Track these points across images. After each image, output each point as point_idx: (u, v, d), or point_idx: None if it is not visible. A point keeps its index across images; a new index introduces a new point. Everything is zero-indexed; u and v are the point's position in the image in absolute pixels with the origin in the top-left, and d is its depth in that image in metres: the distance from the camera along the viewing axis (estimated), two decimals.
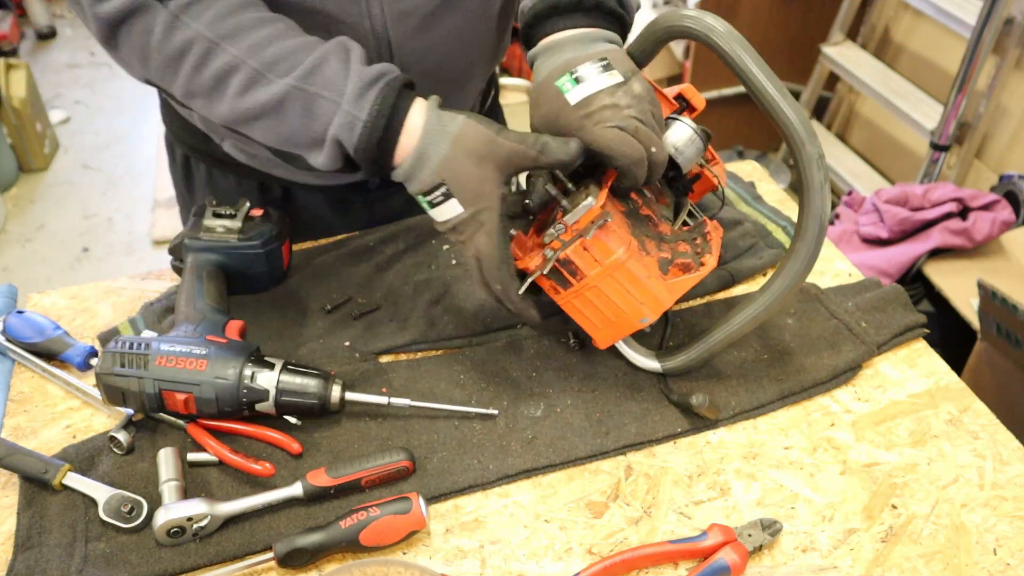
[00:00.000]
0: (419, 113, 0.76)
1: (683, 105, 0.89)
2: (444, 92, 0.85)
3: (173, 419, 0.82)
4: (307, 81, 0.76)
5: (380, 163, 0.77)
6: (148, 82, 0.82)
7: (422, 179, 0.76)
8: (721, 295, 0.99)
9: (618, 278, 0.79)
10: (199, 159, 1.10)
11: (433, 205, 0.77)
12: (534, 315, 0.83)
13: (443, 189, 0.76)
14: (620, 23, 0.84)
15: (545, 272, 0.80)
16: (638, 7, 0.88)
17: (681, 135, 0.84)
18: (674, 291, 0.81)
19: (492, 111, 1.19)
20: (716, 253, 0.84)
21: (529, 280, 0.81)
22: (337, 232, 1.07)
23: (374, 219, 1.09)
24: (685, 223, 0.90)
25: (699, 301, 0.98)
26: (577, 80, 0.77)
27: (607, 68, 0.77)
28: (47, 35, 4.32)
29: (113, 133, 3.60)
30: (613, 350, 0.89)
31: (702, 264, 0.83)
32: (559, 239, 0.79)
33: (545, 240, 0.81)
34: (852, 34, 2.80)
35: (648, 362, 0.88)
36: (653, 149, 0.76)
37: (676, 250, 0.85)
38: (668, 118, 0.85)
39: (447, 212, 0.77)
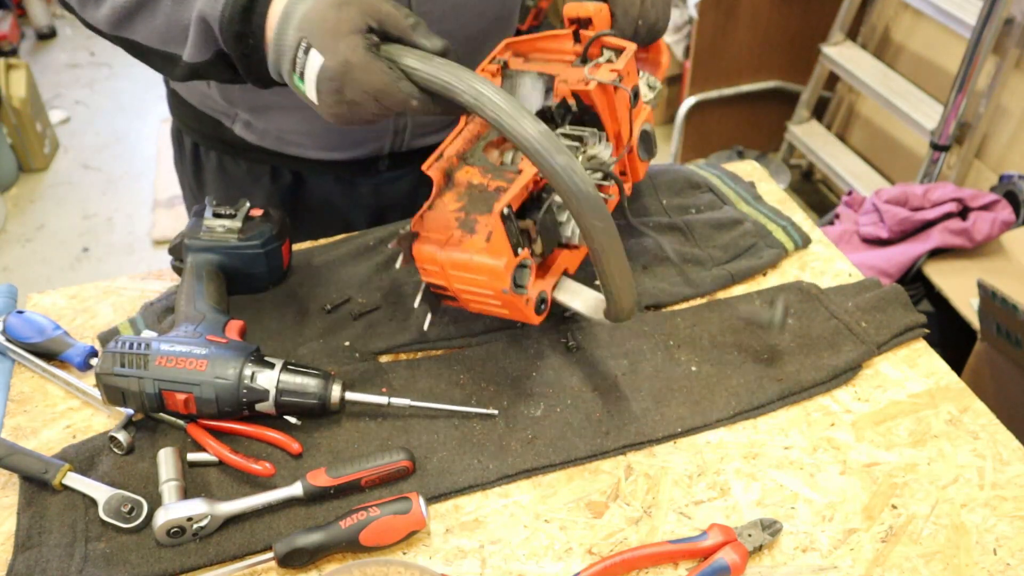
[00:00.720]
0: None
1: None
2: (458, 55, 0.83)
3: (173, 419, 0.82)
4: None
5: (249, 41, 0.73)
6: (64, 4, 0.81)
7: (286, 43, 0.71)
8: (721, 294, 0.99)
9: (454, 272, 0.79)
10: (209, 146, 1.10)
11: (303, 76, 0.71)
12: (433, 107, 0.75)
13: (304, 44, 0.71)
14: None
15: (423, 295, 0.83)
16: None
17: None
18: (494, 251, 0.76)
19: None
20: (519, 184, 0.77)
21: (419, 295, 0.83)
22: (346, 217, 1.07)
23: (381, 203, 1.10)
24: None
25: (699, 301, 0.98)
26: None
27: None
28: (47, 35, 4.32)
29: (113, 133, 3.60)
30: (614, 351, 0.90)
31: (510, 181, 0.77)
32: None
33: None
34: (852, 34, 2.80)
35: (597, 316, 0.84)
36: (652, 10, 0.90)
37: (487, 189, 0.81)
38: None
39: (312, 70, 0.71)
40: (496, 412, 0.84)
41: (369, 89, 0.71)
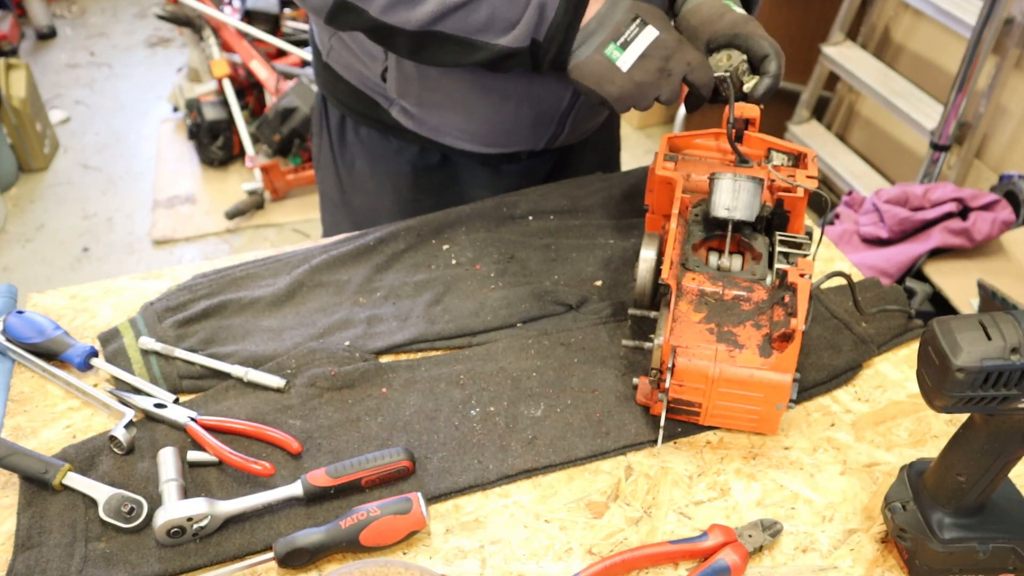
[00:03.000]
0: None
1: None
2: None
3: (173, 419, 0.82)
4: None
5: (571, 27, 0.87)
6: (334, 8, 0.89)
7: (617, 19, 0.87)
8: None
9: (723, 390, 0.78)
10: (359, 121, 1.16)
11: (625, 45, 0.87)
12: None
13: (638, 20, 0.87)
14: None
15: (666, 419, 0.81)
16: None
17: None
18: (782, 367, 0.77)
19: None
20: (802, 311, 0.76)
21: (661, 427, 0.81)
22: (484, 194, 1.14)
23: (520, 185, 1.16)
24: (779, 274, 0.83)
25: None
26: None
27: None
28: (47, 35, 4.32)
29: (113, 133, 3.60)
30: (614, 351, 0.90)
31: (792, 330, 0.76)
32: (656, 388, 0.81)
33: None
34: (852, 34, 2.80)
35: None
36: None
37: (773, 320, 0.80)
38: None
39: (643, 41, 0.87)
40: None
41: (693, 60, 0.88)
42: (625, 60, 0.87)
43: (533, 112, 1.08)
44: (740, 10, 0.97)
